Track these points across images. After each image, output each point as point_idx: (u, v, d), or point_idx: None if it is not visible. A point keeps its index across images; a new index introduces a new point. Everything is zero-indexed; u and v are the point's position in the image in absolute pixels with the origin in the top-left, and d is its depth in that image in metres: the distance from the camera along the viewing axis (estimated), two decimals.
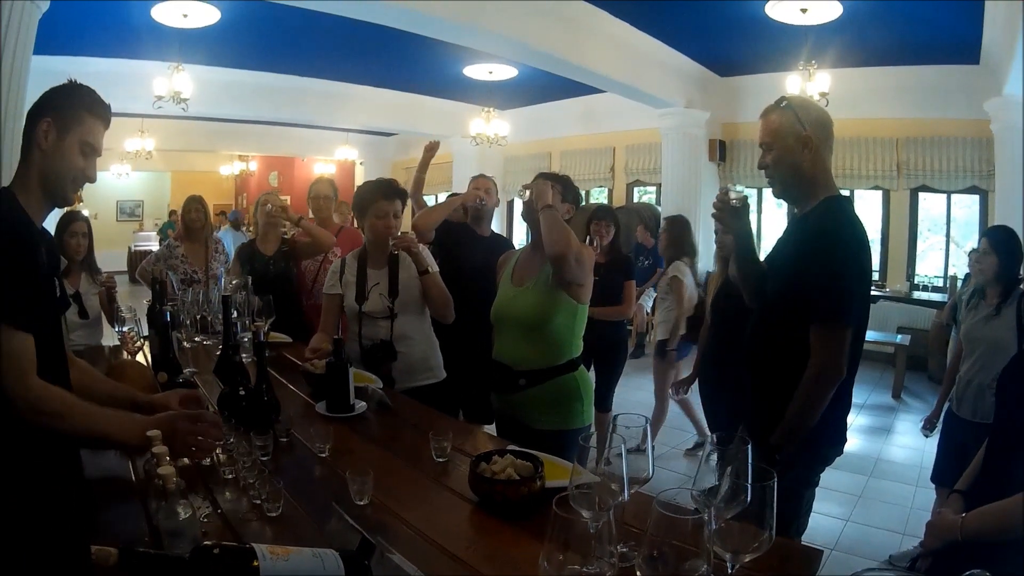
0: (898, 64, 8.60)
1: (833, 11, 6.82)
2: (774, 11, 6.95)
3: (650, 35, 8.30)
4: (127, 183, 18.89)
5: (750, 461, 1.29)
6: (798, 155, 2.32)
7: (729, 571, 1.29)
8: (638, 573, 1.14)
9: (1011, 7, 5.58)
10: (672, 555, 1.11)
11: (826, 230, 2.26)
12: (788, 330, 2.26)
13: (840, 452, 2.40)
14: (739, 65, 9.48)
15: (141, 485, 1.88)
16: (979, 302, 3.77)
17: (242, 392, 2.43)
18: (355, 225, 3.78)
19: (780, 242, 2.54)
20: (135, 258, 15.54)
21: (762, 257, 2.63)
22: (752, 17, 7.23)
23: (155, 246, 15.87)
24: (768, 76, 9.12)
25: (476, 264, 3.67)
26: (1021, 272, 3.69)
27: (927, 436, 4.26)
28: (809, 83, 7.64)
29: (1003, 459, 1.96)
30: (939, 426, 4.07)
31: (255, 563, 1.20)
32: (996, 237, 3.73)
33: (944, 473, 3.70)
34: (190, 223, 5.08)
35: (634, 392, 7.01)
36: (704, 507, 1.18)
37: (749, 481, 1.25)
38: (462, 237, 4.09)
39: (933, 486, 3.97)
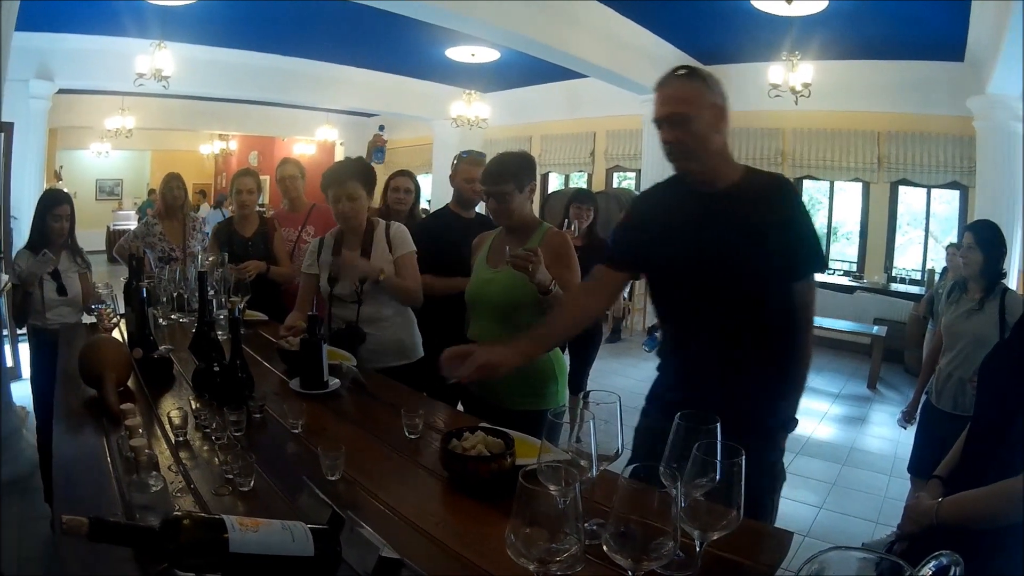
0: (882, 58, 8.62)
1: (819, 3, 6.83)
2: (759, 1, 6.95)
3: (634, 22, 8.28)
4: (106, 162, 18.72)
5: (719, 439, 1.30)
6: (715, 127, 2.18)
7: (697, 549, 1.30)
8: (605, 548, 1.15)
9: (998, 6, 5.62)
10: (640, 531, 1.11)
11: (784, 191, 2.24)
12: (757, 305, 2.17)
13: None
14: (722, 54, 9.45)
15: (114, 461, 1.88)
16: (960, 296, 3.76)
17: (216, 368, 2.43)
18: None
19: (693, 223, 2.25)
20: (114, 237, 15.38)
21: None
22: (737, 6, 7.23)
23: (134, 225, 15.74)
24: (751, 66, 9.12)
25: (462, 247, 3.60)
26: (1003, 267, 3.72)
27: (905, 428, 4.26)
28: (792, 74, 7.66)
29: (982, 448, 1.98)
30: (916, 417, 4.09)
31: (225, 535, 1.20)
32: (981, 233, 3.72)
33: (922, 464, 3.71)
34: (171, 201, 5.04)
35: (609, 376, 7.04)
36: (672, 484, 1.18)
37: (719, 459, 1.26)
38: (448, 220, 4.03)
39: (907, 476, 3.99)
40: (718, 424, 1.34)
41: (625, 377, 5.78)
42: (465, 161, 4.00)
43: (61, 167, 17.12)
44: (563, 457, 1.42)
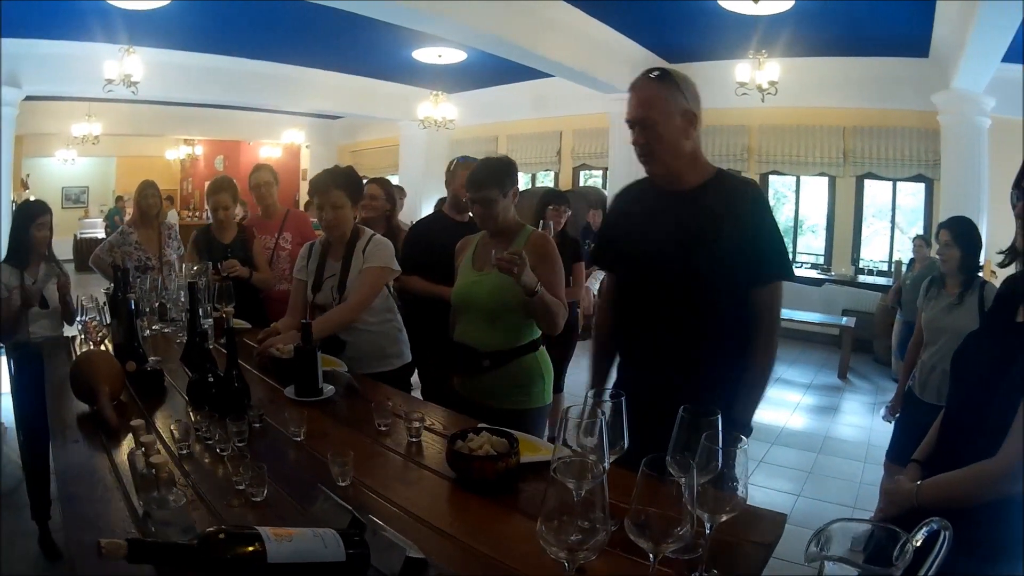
0: (848, 55, 8.80)
1: (785, 2, 6.93)
2: (726, 0, 7.03)
3: (600, 21, 8.35)
4: (72, 169, 18.35)
5: (720, 428, 1.38)
6: (685, 132, 2.26)
7: (707, 532, 1.36)
8: (629, 534, 1.22)
9: (962, 3, 5.76)
10: (656, 518, 1.20)
11: (750, 196, 2.29)
12: (711, 305, 2.25)
13: None
14: (689, 52, 9.52)
15: (119, 476, 1.86)
16: (939, 291, 3.79)
17: (211, 379, 2.41)
18: (305, 209, 3.73)
19: (655, 221, 2.37)
20: (81, 245, 15.14)
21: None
22: (704, 6, 7.32)
23: (101, 233, 15.55)
24: (718, 64, 9.22)
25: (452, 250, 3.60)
26: (979, 261, 3.77)
27: (889, 422, 4.24)
28: (759, 72, 7.79)
29: (957, 432, 2.04)
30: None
31: (261, 547, 1.22)
32: (958, 229, 3.76)
33: (903, 453, 3.71)
34: (146, 209, 4.98)
35: (586, 373, 7.06)
36: (681, 474, 1.25)
37: (720, 447, 1.34)
38: (443, 223, 4.04)
39: (881, 462, 4.05)
40: (719, 416, 1.40)
41: None
42: (461, 167, 4.01)
43: (28, 175, 16.83)
44: (568, 453, 1.48)
